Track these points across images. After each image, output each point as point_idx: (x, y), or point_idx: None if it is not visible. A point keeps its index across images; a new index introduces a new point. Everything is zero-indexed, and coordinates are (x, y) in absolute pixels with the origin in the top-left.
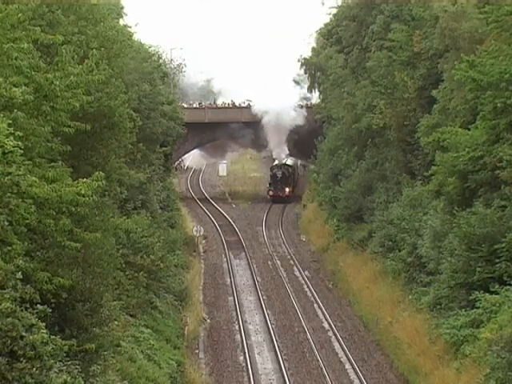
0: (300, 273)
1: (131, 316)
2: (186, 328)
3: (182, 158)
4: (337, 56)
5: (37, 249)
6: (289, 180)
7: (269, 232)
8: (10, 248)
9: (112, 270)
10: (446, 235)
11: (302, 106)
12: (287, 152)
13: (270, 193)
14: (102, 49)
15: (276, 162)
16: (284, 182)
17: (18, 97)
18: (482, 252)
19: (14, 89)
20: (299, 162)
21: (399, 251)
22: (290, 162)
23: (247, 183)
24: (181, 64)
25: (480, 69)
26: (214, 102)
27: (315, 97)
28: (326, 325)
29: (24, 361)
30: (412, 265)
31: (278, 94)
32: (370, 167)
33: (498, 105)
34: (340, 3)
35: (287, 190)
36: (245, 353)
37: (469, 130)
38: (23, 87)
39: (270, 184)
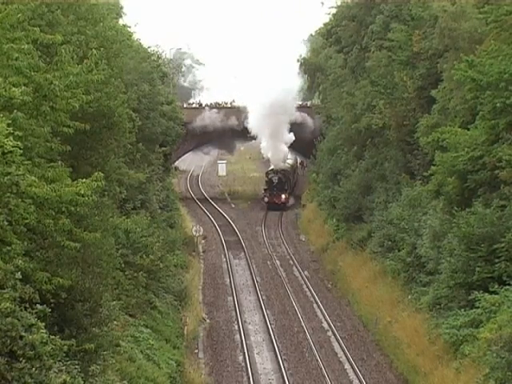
0: (299, 273)
1: (130, 316)
2: (186, 328)
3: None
4: (336, 56)
5: (36, 249)
6: (285, 186)
7: (268, 232)
8: (9, 248)
9: (111, 269)
10: (445, 235)
11: (300, 106)
12: (284, 156)
13: (266, 199)
14: (102, 49)
15: (272, 166)
16: (280, 188)
17: (18, 97)
18: (481, 252)
19: (14, 89)
20: (299, 160)
21: (398, 251)
22: (287, 164)
23: (247, 183)
24: (180, 64)
25: (479, 69)
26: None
27: (315, 97)
28: (325, 325)
29: (23, 361)
30: (411, 265)
31: (276, 94)
32: (369, 167)
33: (498, 105)
34: (339, 3)
35: (283, 196)
36: (244, 353)
37: (468, 129)
38: (23, 87)
39: (265, 190)
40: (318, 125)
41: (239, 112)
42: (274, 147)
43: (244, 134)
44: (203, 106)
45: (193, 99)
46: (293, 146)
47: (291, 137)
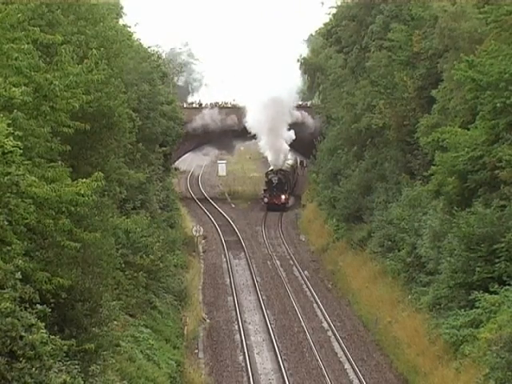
0: (299, 273)
1: (131, 316)
2: (186, 328)
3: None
4: (336, 56)
5: (36, 249)
6: (285, 186)
7: (268, 232)
8: (9, 248)
9: (111, 269)
10: (445, 235)
11: (300, 106)
12: (284, 154)
13: (265, 200)
14: (102, 49)
15: (271, 167)
16: (280, 188)
17: (18, 97)
18: (481, 252)
19: (14, 89)
20: (299, 160)
21: (398, 251)
22: (287, 164)
23: (247, 183)
24: (180, 64)
25: (479, 69)
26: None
27: (315, 97)
28: (325, 325)
29: (23, 361)
30: (411, 265)
31: (275, 93)
32: (369, 167)
33: (498, 105)
34: (339, 3)
35: (283, 197)
36: (244, 353)
37: (468, 129)
38: (23, 87)
39: (264, 190)
40: (318, 124)
41: (239, 111)
42: (274, 147)
43: (244, 133)
44: (203, 105)
45: (190, 97)
46: (293, 146)
47: (291, 134)
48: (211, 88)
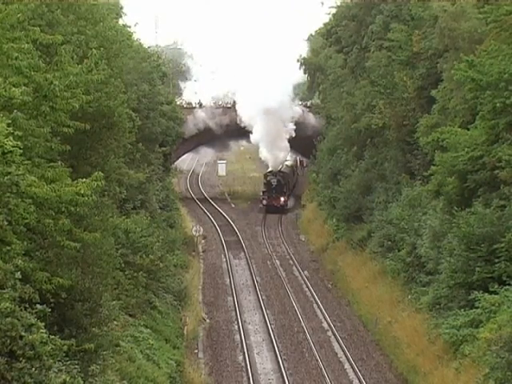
0: (299, 272)
1: (130, 316)
2: (186, 328)
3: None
4: (336, 56)
5: (36, 248)
6: (284, 188)
7: (268, 232)
8: (9, 248)
9: (111, 269)
10: (445, 235)
11: (300, 105)
12: (283, 158)
13: (264, 202)
14: (102, 49)
15: (270, 168)
16: (279, 190)
17: (18, 97)
18: (481, 252)
19: (14, 89)
20: (298, 159)
21: (398, 251)
22: (286, 165)
23: (246, 183)
24: (180, 63)
25: (479, 69)
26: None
27: (314, 97)
28: (325, 325)
29: (23, 361)
30: (411, 265)
31: (274, 95)
32: (369, 167)
33: (498, 105)
34: (339, 3)
35: (282, 199)
36: (244, 353)
37: (468, 129)
38: (23, 87)
39: (263, 192)
40: (318, 124)
41: (237, 110)
42: (273, 149)
43: (242, 133)
44: (203, 105)
45: (182, 84)
46: (293, 146)
47: (292, 128)
48: (204, 80)
